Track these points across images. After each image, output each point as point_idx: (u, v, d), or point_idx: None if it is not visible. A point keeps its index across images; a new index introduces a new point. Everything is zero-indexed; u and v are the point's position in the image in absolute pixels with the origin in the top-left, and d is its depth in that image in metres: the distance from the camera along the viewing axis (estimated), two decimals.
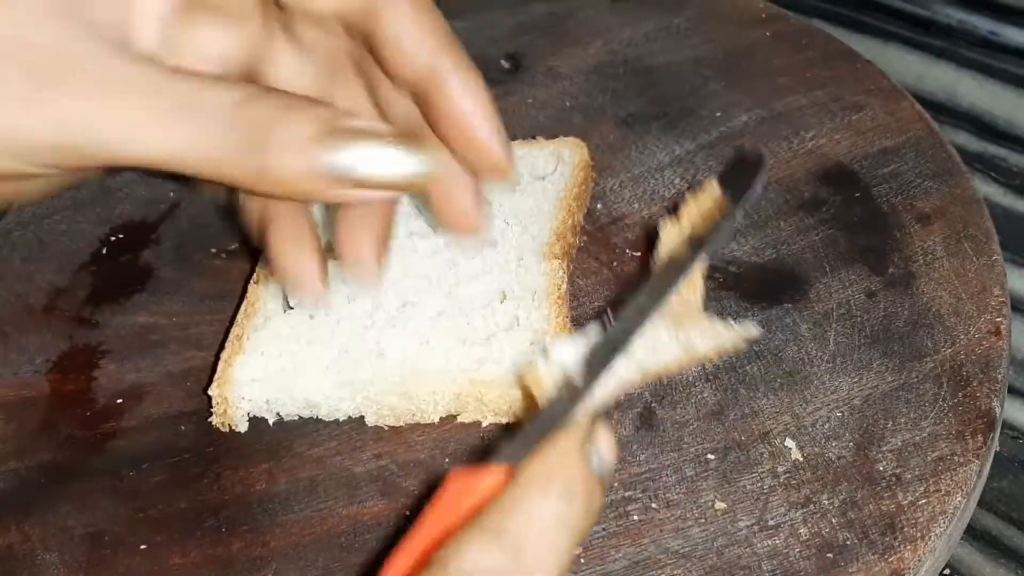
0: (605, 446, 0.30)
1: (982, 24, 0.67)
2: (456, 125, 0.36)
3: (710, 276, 0.46)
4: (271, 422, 0.42)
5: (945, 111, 0.62)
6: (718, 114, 0.53)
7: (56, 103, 0.31)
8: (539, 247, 0.45)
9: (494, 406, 0.41)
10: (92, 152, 0.32)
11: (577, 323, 0.44)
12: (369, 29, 0.36)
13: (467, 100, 0.36)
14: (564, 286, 0.44)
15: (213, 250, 0.50)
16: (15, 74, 0.31)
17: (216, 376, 0.42)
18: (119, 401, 0.44)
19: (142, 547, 0.39)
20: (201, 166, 0.32)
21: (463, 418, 0.42)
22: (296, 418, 0.42)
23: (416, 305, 0.43)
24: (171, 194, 0.54)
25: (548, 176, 0.49)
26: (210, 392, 0.42)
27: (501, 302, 0.43)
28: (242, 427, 0.42)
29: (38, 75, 0.31)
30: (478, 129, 0.36)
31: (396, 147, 0.32)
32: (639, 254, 0.47)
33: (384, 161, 0.33)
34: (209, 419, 0.42)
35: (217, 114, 0.32)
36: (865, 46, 0.61)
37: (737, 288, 0.45)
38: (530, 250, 0.45)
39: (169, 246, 0.51)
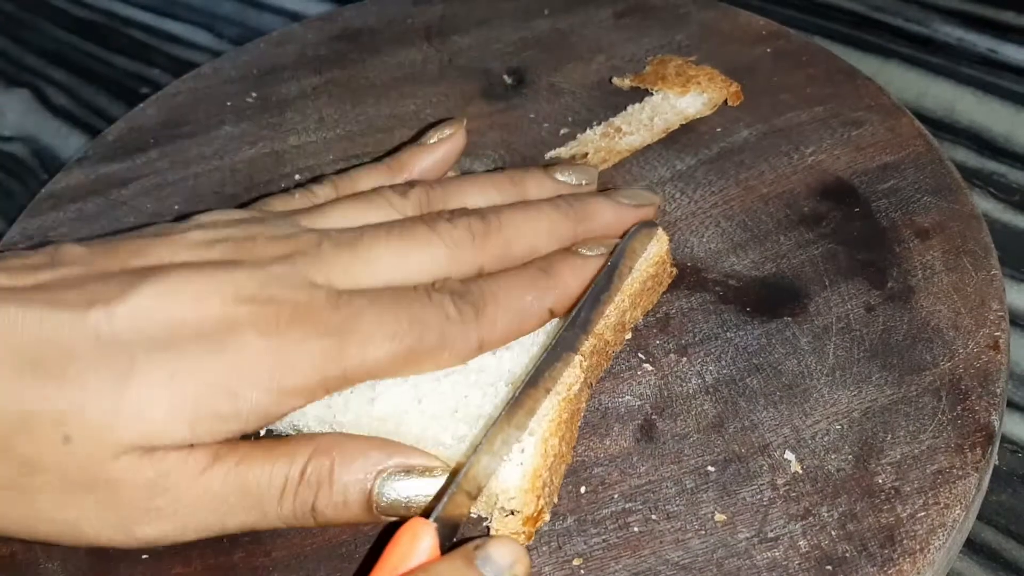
0: (497, 551, 0.34)
1: (981, 42, 0.68)
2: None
3: (711, 289, 0.46)
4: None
5: (945, 127, 0.62)
6: (718, 129, 0.54)
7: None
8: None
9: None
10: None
11: None
12: None
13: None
14: (577, 388, 0.40)
15: None
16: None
17: None
18: None
19: (144, 557, 0.40)
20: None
21: None
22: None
23: None
24: (176, 207, 0.54)
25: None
26: None
27: (506, 384, 0.41)
28: None
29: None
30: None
31: (434, 476, 0.38)
32: None
33: (423, 488, 0.38)
34: None
35: (275, 487, 0.37)
36: (865, 63, 0.61)
37: (737, 301, 0.45)
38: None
39: None
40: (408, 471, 0.38)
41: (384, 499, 0.37)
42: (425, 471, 0.38)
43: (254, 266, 0.39)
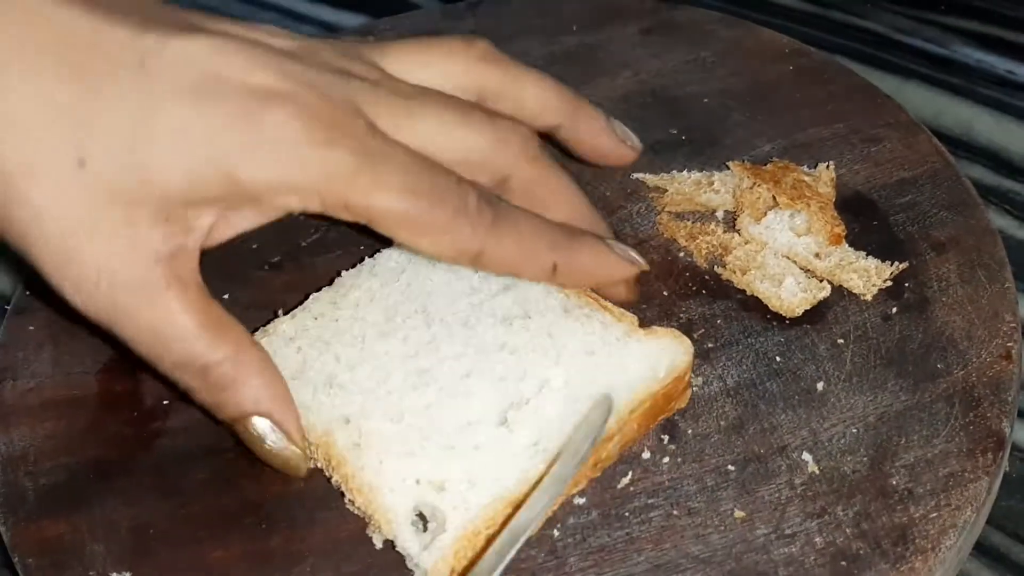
0: None
1: (999, 63, 0.69)
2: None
3: (732, 297, 0.48)
4: None
5: (962, 146, 0.64)
6: (742, 143, 0.55)
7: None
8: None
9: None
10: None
11: None
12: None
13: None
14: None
15: (256, 262, 0.52)
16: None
17: None
18: (165, 402, 0.46)
19: (185, 540, 0.41)
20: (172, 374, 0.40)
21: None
22: None
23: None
24: None
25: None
26: None
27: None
28: None
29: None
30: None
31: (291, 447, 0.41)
32: (662, 280, 0.49)
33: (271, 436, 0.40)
34: None
35: (196, 361, 0.39)
36: (885, 82, 0.63)
37: (758, 309, 0.47)
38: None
39: (214, 258, 0.52)
40: (278, 427, 0.40)
41: (250, 428, 0.40)
42: (288, 438, 0.40)
43: (311, 65, 0.39)
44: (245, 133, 0.37)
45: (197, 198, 0.38)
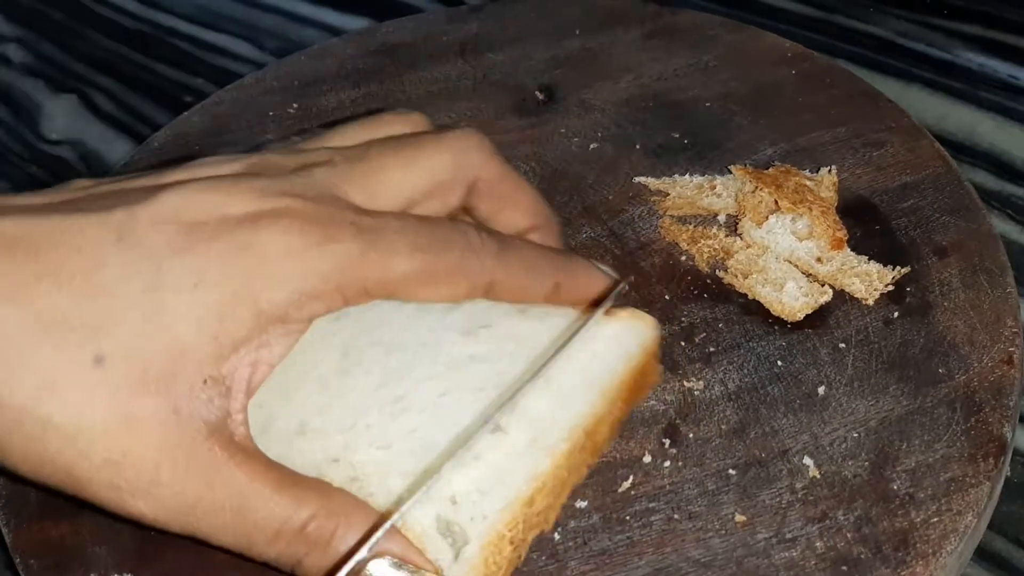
0: None
1: (1002, 68, 0.69)
2: None
3: (734, 301, 0.48)
4: None
5: (965, 150, 0.64)
6: (744, 147, 0.55)
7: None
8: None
9: None
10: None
11: None
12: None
13: None
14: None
15: None
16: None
17: None
18: None
19: (188, 543, 0.41)
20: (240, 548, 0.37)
21: None
22: None
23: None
24: None
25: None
26: None
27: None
28: None
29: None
30: None
31: None
32: (664, 283, 0.49)
33: None
34: None
35: (288, 527, 0.36)
36: (888, 87, 0.63)
37: (760, 312, 0.47)
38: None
39: None
40: (401, 564, 0.37)
41: None
42: (416, 570, 0.37)
43: (273, 175, 0.39)
44: (249, 263, 0.36)
45: (227, 346, 0.36)
